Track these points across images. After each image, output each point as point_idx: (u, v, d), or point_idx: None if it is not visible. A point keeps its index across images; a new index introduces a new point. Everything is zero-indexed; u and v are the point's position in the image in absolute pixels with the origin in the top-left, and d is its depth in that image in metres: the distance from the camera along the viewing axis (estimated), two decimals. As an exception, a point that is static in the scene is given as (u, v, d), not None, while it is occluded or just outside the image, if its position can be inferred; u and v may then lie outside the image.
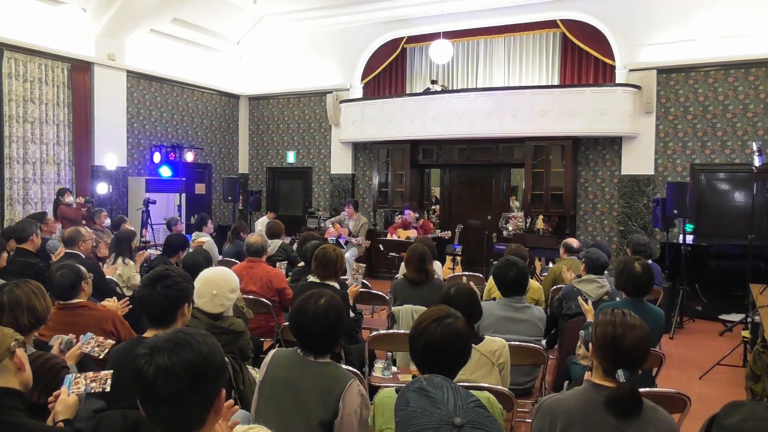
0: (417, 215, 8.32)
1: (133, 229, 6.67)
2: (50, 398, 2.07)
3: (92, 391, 2.13)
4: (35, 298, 2.48)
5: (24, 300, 2.44)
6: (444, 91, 9.85)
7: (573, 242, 5.65)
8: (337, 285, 3.89)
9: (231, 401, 1.70)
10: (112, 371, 2.21)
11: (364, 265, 4.48)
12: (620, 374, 1.85)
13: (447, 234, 7.88)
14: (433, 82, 9.97)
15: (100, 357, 2.58)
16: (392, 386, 3.04)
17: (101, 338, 2.68)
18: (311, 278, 3.97)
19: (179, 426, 1.32)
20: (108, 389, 2.15)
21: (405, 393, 1.75)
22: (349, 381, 2.16)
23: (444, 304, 2.41)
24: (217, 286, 2.89)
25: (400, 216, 9.77)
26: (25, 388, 1.95)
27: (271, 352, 2.37)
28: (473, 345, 2.77)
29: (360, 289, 4.19)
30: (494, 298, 4.07)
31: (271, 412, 2.19)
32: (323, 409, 2.11)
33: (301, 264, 5.10)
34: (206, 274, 2.97)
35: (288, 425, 2.13)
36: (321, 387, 2.14)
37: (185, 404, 1.30)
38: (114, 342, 2.71)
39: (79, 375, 2.19)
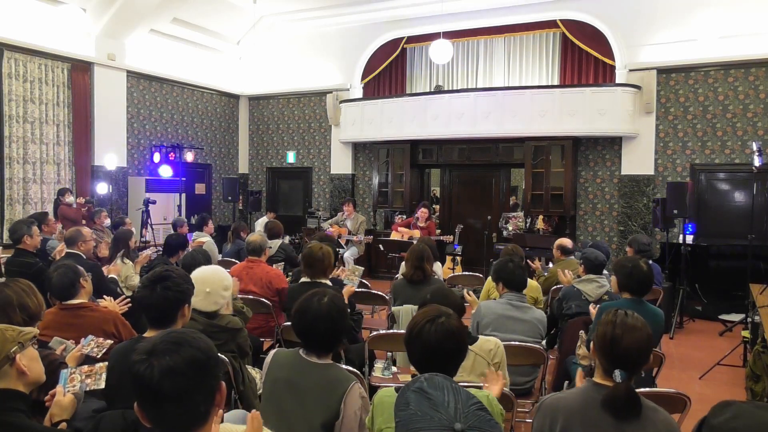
0: (427, 215, 8.28)
1: (131, 228, 6.65)
2: (46, 398, 2.05)
3: (87, 388, 2.12)
4: (26, 296, 2.48)
5: (15, 299, 2.44)
6: (444, 91, 9.85)
7: (567, 243, 5.45)
8: (329, 282, 3.88)
9: None
10: (106, 363, 2.20)
11: (362, 268, 4.48)
12: (617, 374, 1.85)
13: (449, 238, 7.88)
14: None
15: (98, 357, 2.59)
16: (392, 386, 3.06)
17: (101, 339, 2.69)
18: (303, 278, 3.97)
19: (186, 423, 1.32)
20: (102, 386, 2.15)
21: (405, 392, 1.74)
22: (351, 383, 2.16)
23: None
24: (211, 283, 2.91)
25: (400, 216, 9.76)
26: (33, 386, 1.93)
27: (272, 353, 2.37)
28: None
29: (355, 290, 4.21)
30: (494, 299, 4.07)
31: (273, 412, 2.19)
32: (325, 410, 2.11)
33: (301, 265, 5.11)
34: (198, 273, 2.98)
35: (289, 426, 2.14)
36: (322, 388, 2.14)
37: (192, 401, 1.31)
38: (112, 342, 2.71)
39: (74, 370, 2.18)
